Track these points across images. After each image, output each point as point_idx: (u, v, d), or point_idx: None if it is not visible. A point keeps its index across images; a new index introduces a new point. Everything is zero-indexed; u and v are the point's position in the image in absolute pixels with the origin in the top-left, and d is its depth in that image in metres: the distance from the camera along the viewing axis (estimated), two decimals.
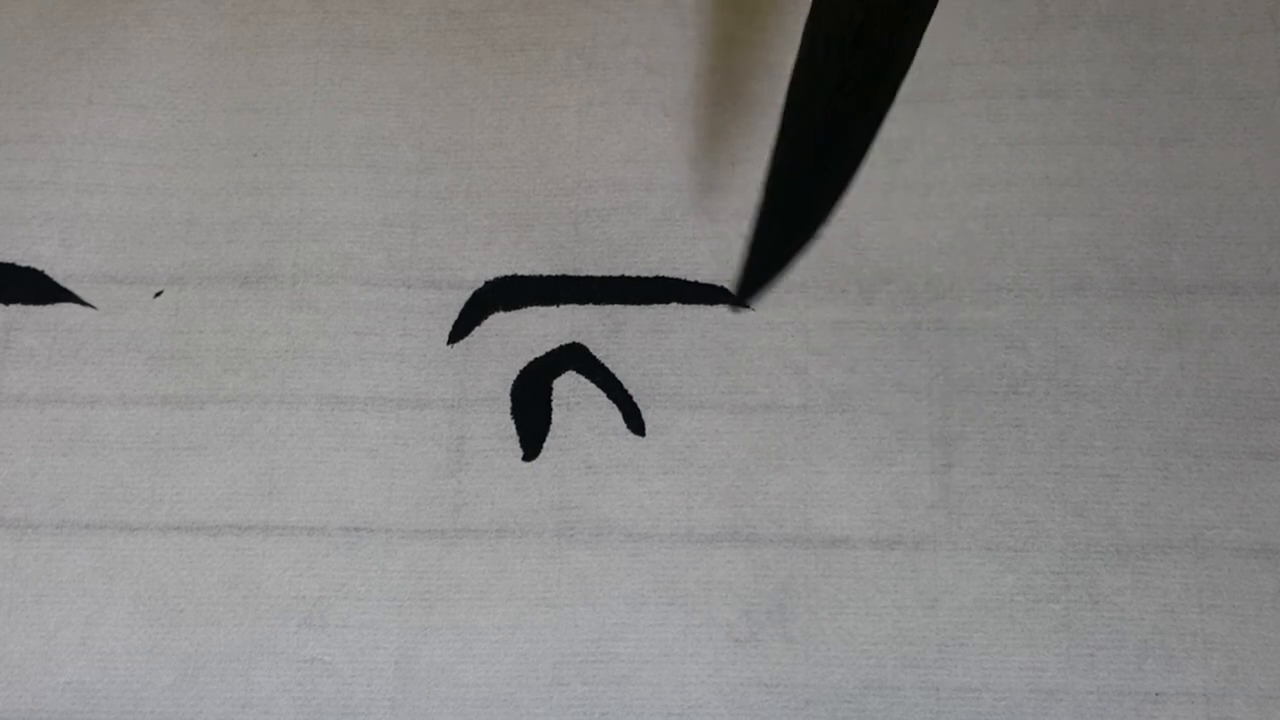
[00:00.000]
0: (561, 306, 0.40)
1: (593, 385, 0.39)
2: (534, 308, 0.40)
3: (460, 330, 0.40)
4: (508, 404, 0.39)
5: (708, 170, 0.41)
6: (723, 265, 0.40)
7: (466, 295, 0.40)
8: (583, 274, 0.40)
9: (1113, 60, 0.41)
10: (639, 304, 0.40)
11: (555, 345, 0.39)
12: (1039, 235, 0.39)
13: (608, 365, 0.39)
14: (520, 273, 0.40)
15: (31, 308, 0.40)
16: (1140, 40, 0.41)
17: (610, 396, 0.39)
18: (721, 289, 0.40)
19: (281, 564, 0.38)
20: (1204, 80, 0.40)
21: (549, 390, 0.39)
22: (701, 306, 0.39)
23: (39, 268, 0.41)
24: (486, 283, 0.40)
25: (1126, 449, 0.37)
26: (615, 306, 0.40)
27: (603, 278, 0.40)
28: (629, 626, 0.37)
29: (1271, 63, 0.41)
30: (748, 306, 0.39)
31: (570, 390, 0.39)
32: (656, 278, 0.40)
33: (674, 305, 0.39)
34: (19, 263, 0.41)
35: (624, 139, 0.41)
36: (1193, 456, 0.37)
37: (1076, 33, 0.41)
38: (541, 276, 0.40)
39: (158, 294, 0.40)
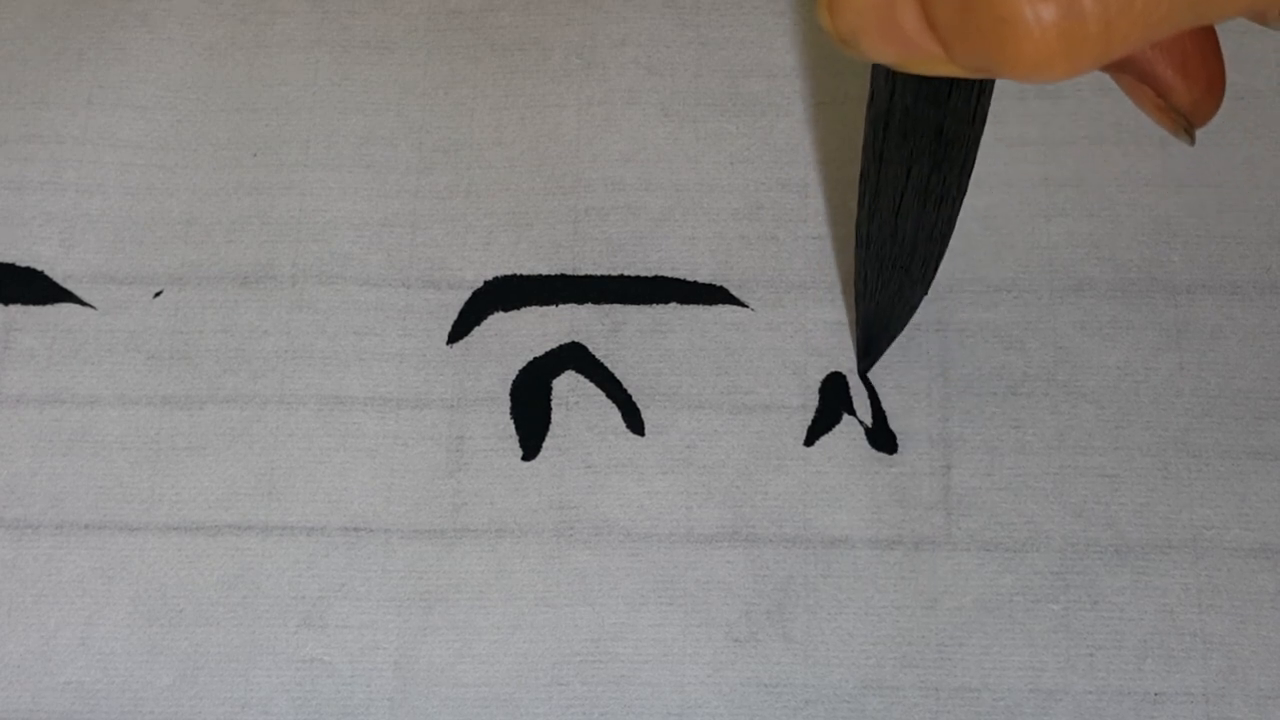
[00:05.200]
0: (560, 306, 0.40)
1: (592, 385, 0.39)
2: (533, 307, 0.40)
3: (460, 330, 0.40)
4: (507, 404, 0.39)
5: (708, 170, 0.41)
6: (722, 265, 0.40)
7: (466, 295, 0.40)
8: (582, 273, 0.40)
9: None
10: (638, 304, 0.40)
11: (554, 345, 0.39)
12: (1038, 236, 0.39)
13: (607, 365, 0.39)
14: (519, 272, 0.40)
15: (31, 308, 0.40)
16: None
17: (609, 396, 0.39)
18: (721, 289, 0.40)
19: (281, 564, 0.38)
20: None
21: (548, 390, 0.39)
22: (701, 306, 0.39)
23: (39, 268, 0.41)
24: (486, 282, 0.40)
25: (1125, 449, 0.37)
26: (614, 306, 0.40)
27: (602, 277, 0.40)
28: (628, 626, 0.37)
29: (1271, 63, 0.41)
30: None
31: (570, 390, 0.39)
32: (656, 277, 0.40)
33: (673, 305, 0.39)
34: (19, 263, 0.41)
35: (623, 138, 0.41)
36: (1192, 456, 0.37)
37: None
38: (541, 276, 0.40)
39: (157, 294, 0.40)
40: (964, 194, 0.31)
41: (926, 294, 0.35)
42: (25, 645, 0.37)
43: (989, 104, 0.29)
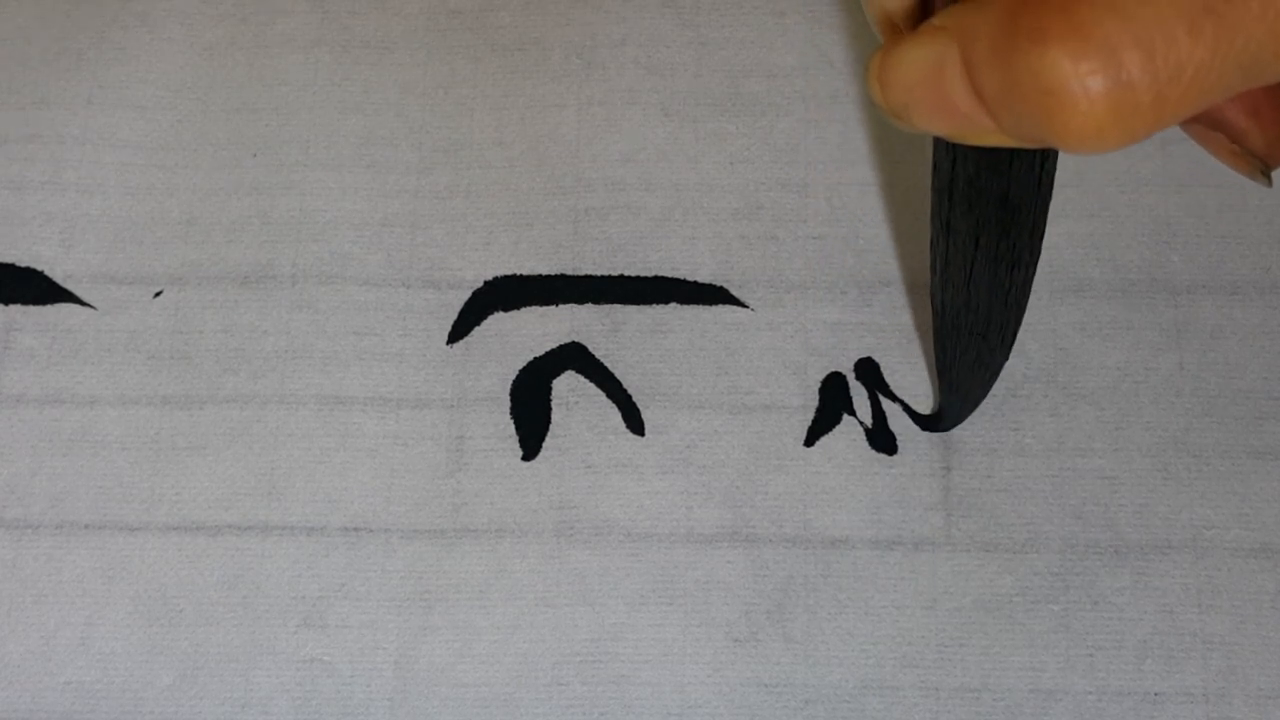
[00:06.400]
0: (560, 306, 0.40)
1: (592, 385, 0.39)
2: (533, 307, 0.40)
3: (460, 330, 0.40)
4: (507, 404, 0.39)
5: (708, 170, 0.41)
6: (722, 265, 0.40)
7: (466, 295, 0.40)
8: (582, 273, 0.40)
9: None
10: (638, 304, 0.40)
11: (554, 345, 0.39)
12: None
13: (607, 365, 0.39)
14: (519, 272, 0.40)
15: (31, 308, 0.40)
16: None
17: (609, 396, 0.39)
18: (721, 289, 0.40)
19: (281, 564, 0.38)
20: None
21: (548, 390, 0.39)
22: (701, 306, 0.39)
23: (39, 268, 0.41)
24: (486, 282, 0.40)
25: (1125, 450, 0.37)
26: (614, 306, 0.40)
27: (602, 277, 0.40)
28: (628, 626, 0.37)
29: None
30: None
31: (569, 390, 0.39)
32: (655, 277, 0.40)
33: (673, 305, 0.39)
34: (19, 263, 0.41)
35: (623, 138, 0.41)
36: (1192, 456, 0.37)
37: None
38: (541, 276, 0.40)
39: (157, 294, 0.40)
40: (1037, 258, 0.31)
41: (1007, 359, 0.35)
42: (25, 645, 0.37)
43: (1055, 169, 0.28)
